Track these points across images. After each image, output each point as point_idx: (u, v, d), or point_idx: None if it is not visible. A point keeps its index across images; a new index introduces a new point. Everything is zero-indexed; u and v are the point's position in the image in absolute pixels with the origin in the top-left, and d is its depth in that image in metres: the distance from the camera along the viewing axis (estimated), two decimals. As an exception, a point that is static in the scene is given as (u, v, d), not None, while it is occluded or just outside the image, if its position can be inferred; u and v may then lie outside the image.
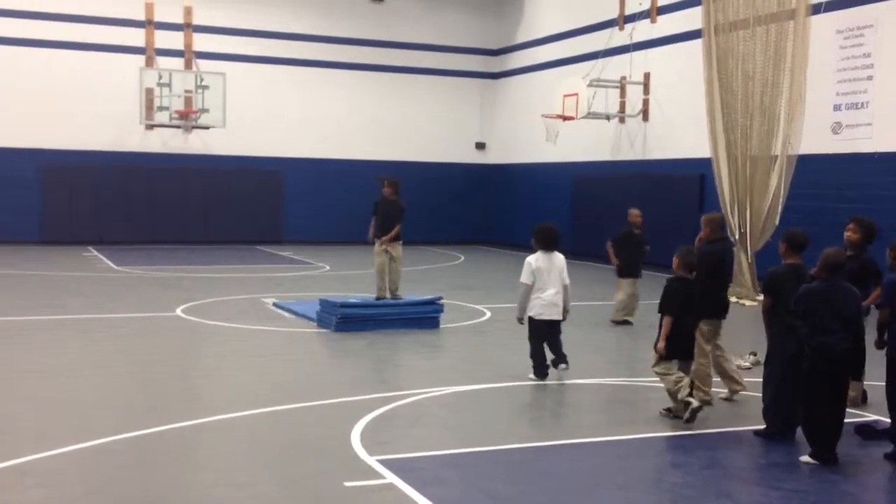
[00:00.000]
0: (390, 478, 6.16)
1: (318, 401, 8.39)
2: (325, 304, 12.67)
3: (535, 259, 9.29)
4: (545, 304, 9.28)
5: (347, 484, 6.05)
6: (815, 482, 6.52)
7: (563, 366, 9.44)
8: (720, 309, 8.55)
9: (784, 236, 7.74)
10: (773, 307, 7.45)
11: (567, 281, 9.39)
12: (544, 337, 9.42)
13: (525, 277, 9.27)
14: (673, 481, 6.40)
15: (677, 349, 7.87)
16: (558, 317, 9.40)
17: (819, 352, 6.80)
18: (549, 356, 9.52)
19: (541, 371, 9.44)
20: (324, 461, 6.63)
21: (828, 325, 6.79)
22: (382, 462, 6.48)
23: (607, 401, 8.83)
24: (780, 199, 16.63)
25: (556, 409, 8.74)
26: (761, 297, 17.02)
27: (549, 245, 9.36)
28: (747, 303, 16.08)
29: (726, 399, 8.67)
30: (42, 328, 12.16)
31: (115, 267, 20.01)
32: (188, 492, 5.99)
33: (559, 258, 9.39)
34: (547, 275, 9.24)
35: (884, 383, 7.14)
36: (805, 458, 6.81)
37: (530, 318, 9.39)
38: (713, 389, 8.57)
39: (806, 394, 6.93)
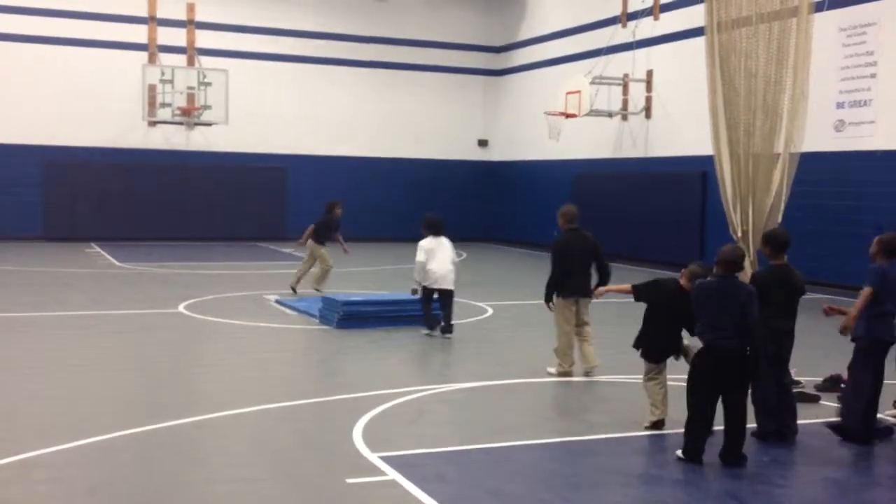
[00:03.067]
0: (392, 474, 6.17)
1: (320, 398, 8.41)
2: (327, 301, 12.68)
3: (426, 242, 11.67)
4: (438, 277, 11.52)
5: (349, 480, 6.06)
6: (817, 479, 6.53)
7: (448, 335, 11.56)
8: (570, 290, 9.58)
9: (766, 238, 7.67)
10: (760, 309, 7.30)
11: (456, 259, 11.83)
12: (432, 300, 11.69)
13: (420, 256, 11.58)
14: (675, 479, 6.40)
15: (665, 353, 7.65)
16: (450, 286, 11.58)
17: (705, 349, 6.74)
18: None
19: (431, 324, 11.69)
20: (326, 458, 6.65)
21: (715, 323, 6.70)
22: (384, 459, 6.49)
23: (608, 398, 8.84)
24: (783, 197, 16.61)
25: (559, 406, 8.76)
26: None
27: (436, 231, 11.77)
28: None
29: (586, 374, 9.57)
30: (44, 325, 12.18)
31: (117, 263, 20.04)
32: (190, 488, 6.01)
33: (446, 241, 11.76)
34: (437, 254, 11.55)
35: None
36: (678, 453, 6.74)
37: (425, 287, 11.67)
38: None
39: (688, 389, 6.84)
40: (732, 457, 6.66)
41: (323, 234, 15.69)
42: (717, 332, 6.70)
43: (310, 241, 15.65)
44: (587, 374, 9.64)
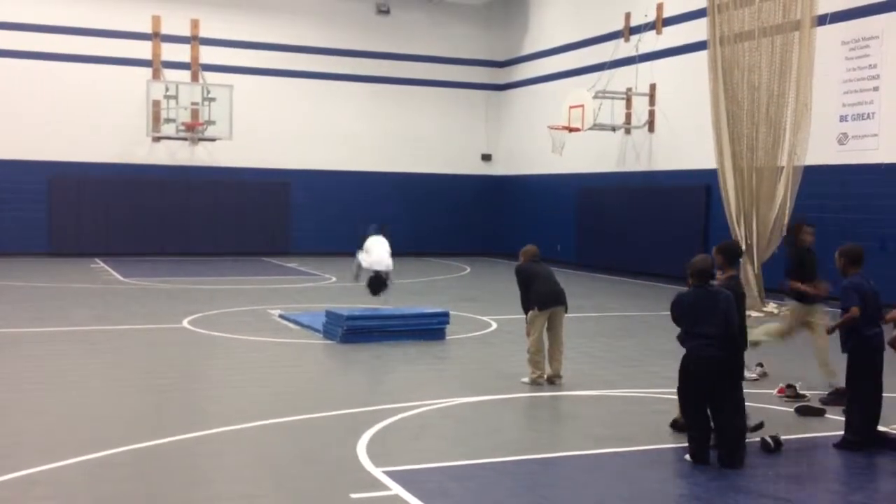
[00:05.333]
0: (396, 489, 6.16)
1: (324, 412, 8.39)
2: (331, 315, 12.67)
3: (369, 241, 14.89)
4: (374, 262, 14.53)
5: (353, 496, 6.05)
6: (823, 492, 6.50)
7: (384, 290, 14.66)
8: (545, 302, 9.93)
9: (720, 249, 7.80)
10: None
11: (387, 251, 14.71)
12: (376, 277, 14.55)
13: (363, 257, 14.76)
14: (679, 493, 6.38)
15: None
16: (383, 269, 14.56)
17: (688, 357, 6.97)
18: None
19: (375, 291, 14.55)
20: (330, 473, 6.63)
21: (697, 331, 6.93)
22: (388, 474, 6.48)
23: (612, 412, 8.81)
24: (787, 210, 16.62)
25: (562, 421, 8.74)
26: (767, 309, 16.94)
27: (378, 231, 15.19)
28: (754, 314, 16.05)
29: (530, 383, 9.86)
30: (49, 340, 12.18)
31: (121, 278, 20.06)
32: (194, 503, 5.99)
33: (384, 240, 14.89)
34: (376, 247, 14.64)
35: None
36: (686, 457, 6.99)
37: (366, 269, 14.69)
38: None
39: (680, 399, 7.15)
40: (731, 460, 6.83)
41: (799, 277, 10.16)
42: (698, 340, 6.93)
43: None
44: (551, 381, 9.91)
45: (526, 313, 10.11)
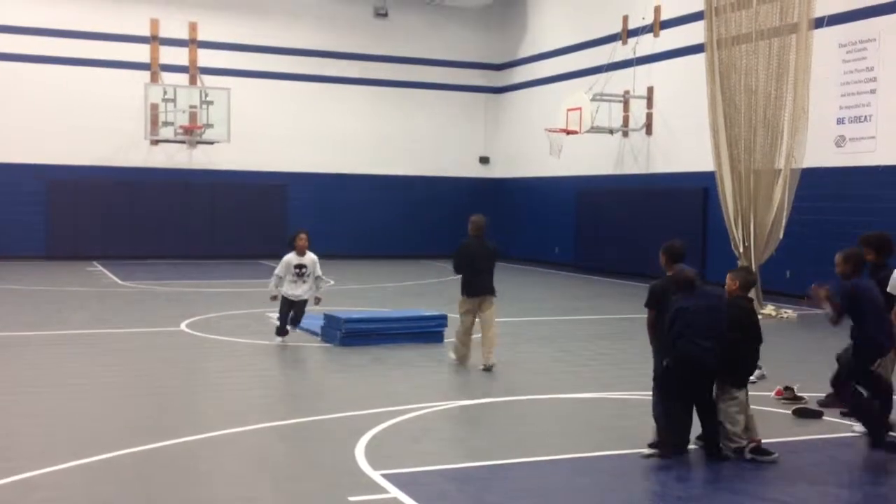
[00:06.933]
0: (394, 492, 6.16)
1: (323, 415, 8.40)
2: (329, 318, 12.67)
3: (289, 257, 12.25)
4: (291, 287, 12.18)
5: (351, 498, 6.05)
6: (822, 495, 6.51)
7: (296, 328, 12.49)
8: (475, 291, 10.76)
9: (664, 249, 7.84)
10: (657, 320, 7.49)
11: (318, 273, 12.31)
12: (289, 309, 12.27)
13: (279, 270, 12.23)
14: (677, 495, 6.38)
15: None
16: (304, 297, 12.23)
17: (685, 361, 7.08)
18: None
19: (282, 331, 12.26)
20: (328, 475, 6.64)
21: (699, 335, 7.04)
22: (386, 476, 6.48)
23: (610, 415, 8.82)
24: (784, 213, 16.64)
25: (560, 423, 8.74)
26: (765, 311, 16.91)
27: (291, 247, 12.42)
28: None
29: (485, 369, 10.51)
30: (47, 343, 12.18)
31: (119, 282, 20.05)
32: (193, 506, 6.00)
33: (311, 256, 12.28)
34: (295, 268, 12.16)
35: None
36: (646, 450, 7.18)
37: (283, 296, 12.26)
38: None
39: (664, 395, 7.28)
40: (715, 450, 7.14)
41: None
42: (698, 344, 7.02)
43: None
44: (486, 369, 10.56)
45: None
